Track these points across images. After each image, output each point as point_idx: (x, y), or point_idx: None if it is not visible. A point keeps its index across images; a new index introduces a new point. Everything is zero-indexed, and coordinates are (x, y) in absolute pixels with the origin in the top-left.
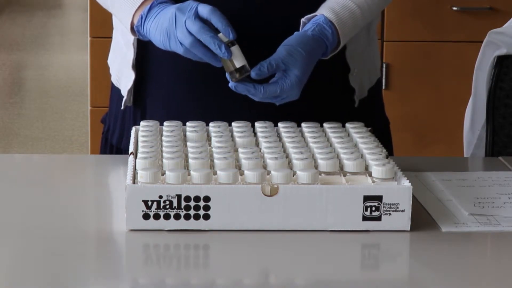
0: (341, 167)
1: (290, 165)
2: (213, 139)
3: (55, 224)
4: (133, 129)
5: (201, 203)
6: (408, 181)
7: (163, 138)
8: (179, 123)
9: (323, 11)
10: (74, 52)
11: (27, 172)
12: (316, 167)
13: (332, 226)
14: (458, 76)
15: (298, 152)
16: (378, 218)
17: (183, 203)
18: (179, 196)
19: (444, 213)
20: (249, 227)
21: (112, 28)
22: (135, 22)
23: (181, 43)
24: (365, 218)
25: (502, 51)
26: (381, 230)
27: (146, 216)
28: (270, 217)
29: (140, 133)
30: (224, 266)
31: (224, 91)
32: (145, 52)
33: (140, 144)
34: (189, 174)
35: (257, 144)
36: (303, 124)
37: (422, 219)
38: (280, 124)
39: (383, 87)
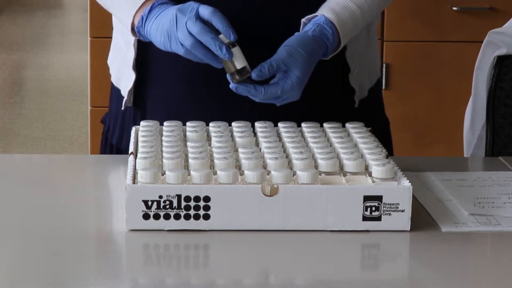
0: (341, 167)
1: (290, 165)
2: (213, 139)
3: (55, 224)
4: (133, 129)
5: (201, 203)
6: (408, 181)
7: (163, 138)
8: (179, 123)
9: (324, 11)
10: (74, 52)
11: (27, 172)
12: (316, 167)
13: (332, 226)
14: (458, 76)
15: (298, 152)
16: (378, 218)
17: (183, 203)
18: (179, 196)
19: (444, 213)
20: (249, 227)
21: (112, 28)
22: (136, 23)
23: (181, 44)
24: (365, 218)
25: (502, 51)
26: (381, 230)
27: (146, 216)
28: (270, 217)
29: (140, 133)
30: (224, 266)
31: (224, 92)
32: (145, 52)
33: (140, 144)
34: (189, 174)
35: (257, 144)
36: (303, 124)
37: (422, 219)
38: (280, 124)
39: (383, 87)
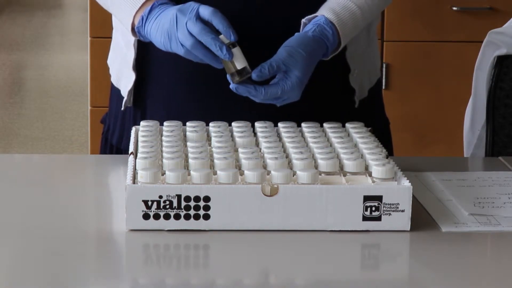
0: (341, 167)
1: (290, 165)
2: (213, 139)
3: (55, 224)
4: (133, 129)
5: (201, 203)
6: (408, 181)
7: (163, 138)
8: (179, 123)
9: (324, 11)
10: (74, 52)
11: (27, 172)
12: (316, 167)
13: (332, 226)
14: (458, 76)
15: (298, 152)
16: (378, 218)
17: (183, 203)
18: (179, 196)
19: (444, 213)
20: (249, 227)
21: (112, 28)
22: (136, 23)
23: (182, 45)
24: (365, 218)
25: (502, 51)
26: (381, 230)
27: (146, 216)
28: (270, 217)
29: (140, 133)
30: (224, 266)
31: (224, 92)
32: (145, 53)
33: (140, 144)
34: (189, 174)
35: (257, 144)
36: (303, 124)
37: (422, 219)
38: (280, 124)
39: (383, 87)
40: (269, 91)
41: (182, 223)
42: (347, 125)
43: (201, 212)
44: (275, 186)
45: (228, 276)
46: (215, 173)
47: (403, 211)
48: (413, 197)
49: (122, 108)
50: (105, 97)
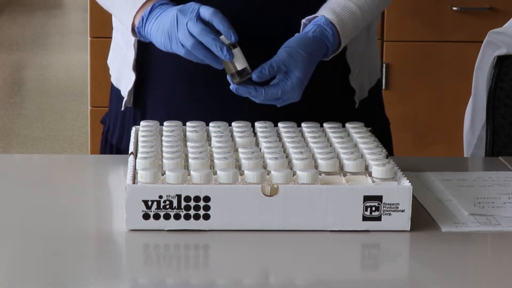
0: (341, 167)
1: (290, 165)
2: (213, 139)
3: (55, 224)
4: (133, 129)
5: (201, 203)
6: (408, 181)
7: (163, 138)
8: (179, 123)
9: (324, 12)
10: (74, 52)
11: (27, 172)
12: (316, 167)
13: (332, 226)
14: (458, 76)
15: (298, 152)
16: (378, 218)
17: (183, 203)
18: (179, 196)
19: (444, 213)
20: (249, 227)
21: (112, 28)
22: (136, 23)
23: (182, 45)
24: (365, 218)
25: (502, 51)
26: (381, 230)
27: (146, 216)
28: (270, 217)
29: (140, 133)
30: (224, 266)
31: (224, 92)
32: (145, 53)
33: (140, 144)
34: (189, 174)
35: (257, 144)
36: (303, 124)
37: (422, 219)
38: (280, 124)
39: (383, 87)
40: (269, 92)
41: (182, 223)
42: (347, 125)
43: (201, 212)
44: (275, 186)
45: (228, 276)
46: (215, 173)
47: (403, 211)
48: (413, 197)
49: (122, 108)
50: (105, 97)
